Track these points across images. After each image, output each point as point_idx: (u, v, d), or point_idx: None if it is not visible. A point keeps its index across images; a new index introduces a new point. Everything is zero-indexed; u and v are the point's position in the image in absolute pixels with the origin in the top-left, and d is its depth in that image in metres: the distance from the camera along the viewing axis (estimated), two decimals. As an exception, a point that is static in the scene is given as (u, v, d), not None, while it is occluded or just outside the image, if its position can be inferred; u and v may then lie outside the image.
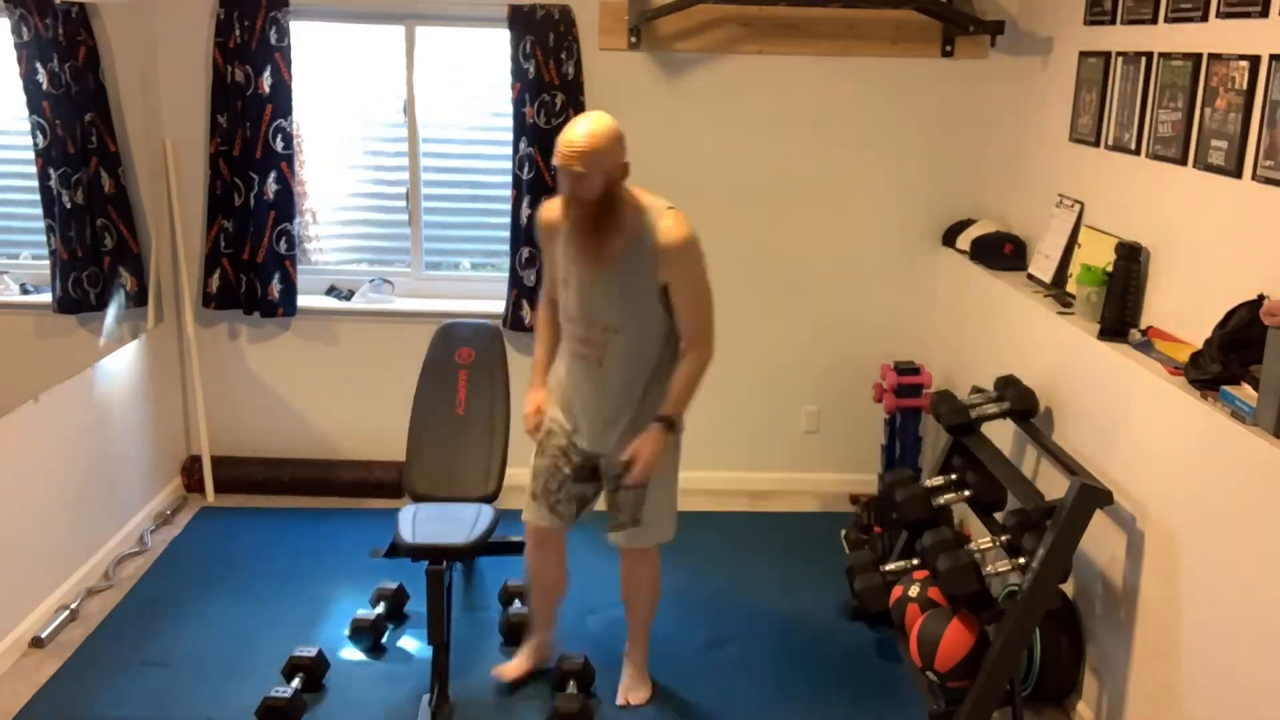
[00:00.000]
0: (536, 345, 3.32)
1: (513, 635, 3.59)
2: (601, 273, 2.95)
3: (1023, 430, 3.53)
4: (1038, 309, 3.63)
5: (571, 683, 3.32)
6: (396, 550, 3.28)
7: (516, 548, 3.85)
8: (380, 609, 3.67)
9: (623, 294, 2.97)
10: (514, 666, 3.43)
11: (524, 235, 4.47)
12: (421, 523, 3.28)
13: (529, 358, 4.67)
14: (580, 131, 2.79)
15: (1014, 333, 3.84)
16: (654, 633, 3.47)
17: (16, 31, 3.56)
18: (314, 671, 3.33)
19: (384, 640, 3.63)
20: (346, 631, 3.62)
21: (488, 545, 3.32)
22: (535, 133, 4.38)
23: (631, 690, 3.37)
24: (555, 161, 2.85)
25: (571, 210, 2.89)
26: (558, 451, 3.20)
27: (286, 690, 3.18)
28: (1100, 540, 3.13)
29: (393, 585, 3.76)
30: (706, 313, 3.02)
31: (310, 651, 3.35)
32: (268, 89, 4.36)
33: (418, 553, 3.21)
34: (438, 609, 3.17)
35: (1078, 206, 3.77)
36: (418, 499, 3.52)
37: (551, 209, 3.07)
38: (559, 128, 4.36)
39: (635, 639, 3.41)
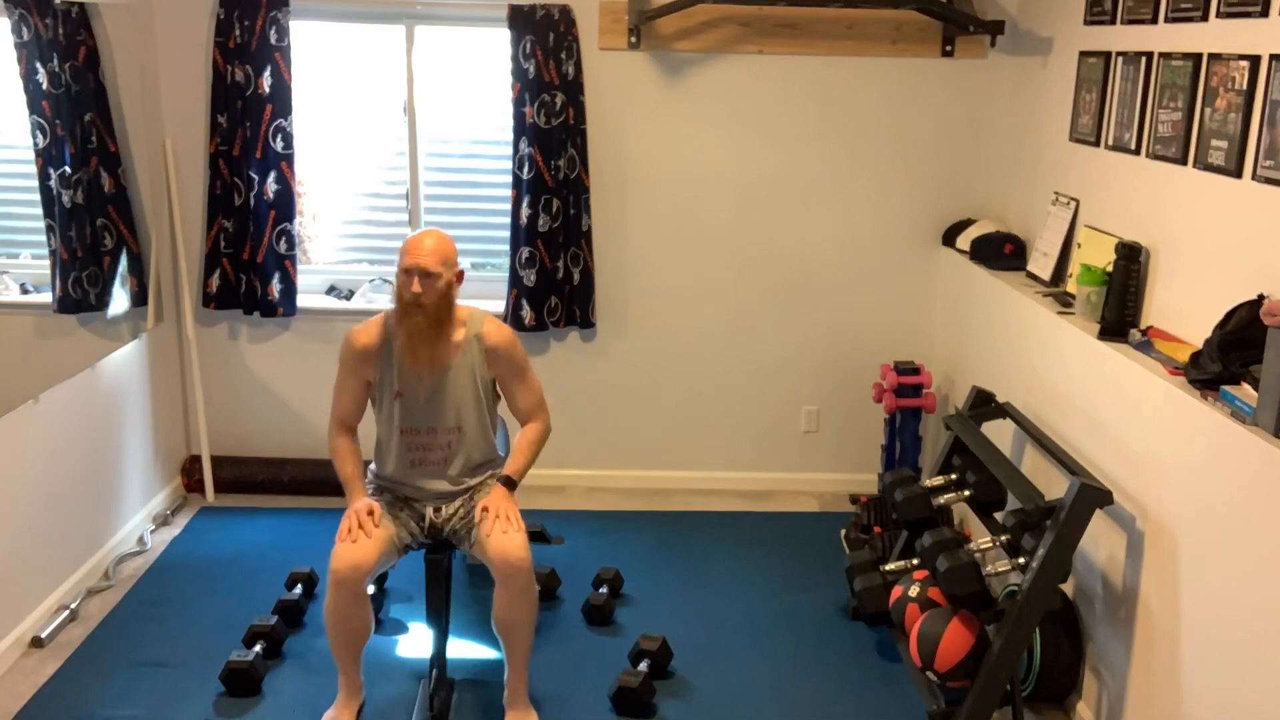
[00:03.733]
0: (343, 468, 3.19)
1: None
2: (441, 380, 3.14)
3: (1023, 430, 3.54)
4: (1038, 309, 3.63)
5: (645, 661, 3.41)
6: None
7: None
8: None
9: (463, 396, 3.17)
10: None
11: (524, 235, 4.47)
12: None
13: (529, 357, 4.69)
14: (429, 238, 3.05)
15: (1014, 333, 3.84)
16: (654, 632, 3.47)
17: (16, 31, 3.56)
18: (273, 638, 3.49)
19: (381, 616, 3.73)
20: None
21: None
22: (535, 133, 4.38)
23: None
24: (407, 263, 3.01)
25: (411, 318, 3.05)
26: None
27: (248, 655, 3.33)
28: (1100, 540, 3.13)
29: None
30: (539, 390, 3.31)
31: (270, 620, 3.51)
32: (268, 89, 4.36)
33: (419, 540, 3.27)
34: (436, 595, 3.20)
35: (1073, 204, 3.77)
36: None
37: (368, 333, 3.16)
38: (559, 128, 4.38)
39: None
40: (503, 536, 3.06)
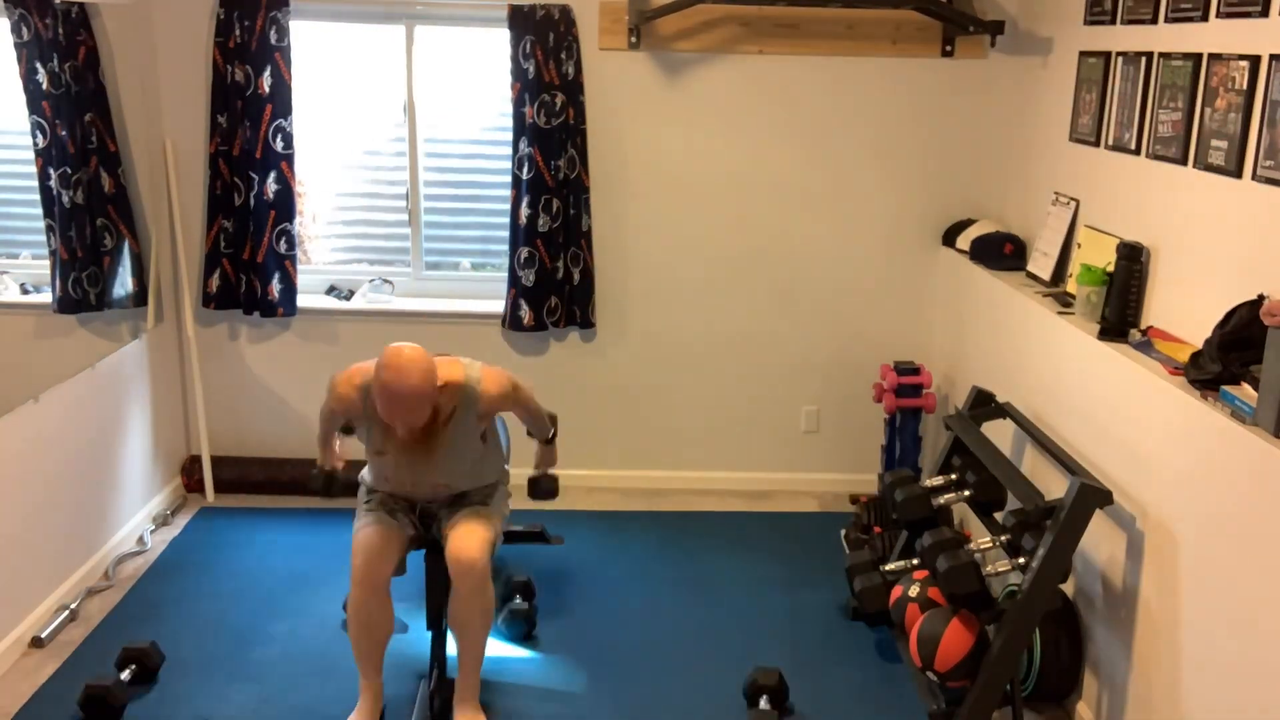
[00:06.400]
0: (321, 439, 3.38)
1: (513, 629, 3.65)
2: (426, 462, 3.10)
3: (1023, 430, 3.54)
4: (1038, 309, 3.63)
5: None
6: None
7: (519, 537, 3.96)
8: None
9: (454, 457, 3.13)
10: None
11: (524, 235, 4.47)
12: None
13: (528, 357, 4.71)
14: (408, 396, 2.83)
15: (1014, 333, 3.84)
16: (655, 632, 3.46)
17: (16, 31, 3.56)
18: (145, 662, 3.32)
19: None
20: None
21: None
22: (535, 133, 4.38)
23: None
24: (389, 422, 2.90)
25: (401, 433, 2.95)
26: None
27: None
28: (1100, 540, 3.13)
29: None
30: (537, 406, 3.38)
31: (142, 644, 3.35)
32: (268, 89, 4.36)
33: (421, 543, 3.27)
34: (436, 596, 3.21)
35: (1073, 204, 3.77)
36: None
37: (349, 393, 3.07)
38: (559, 128, 4.38)
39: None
40: (461, 536, 3.08)
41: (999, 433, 3.77)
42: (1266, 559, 2.35)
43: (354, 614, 3.10)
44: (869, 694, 3.43)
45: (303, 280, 4.64)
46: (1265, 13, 2.72)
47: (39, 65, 3.64)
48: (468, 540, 3.07)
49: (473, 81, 4.59)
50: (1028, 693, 3.24)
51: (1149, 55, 3.30)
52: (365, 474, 3.32)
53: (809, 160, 4.58)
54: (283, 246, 4.50)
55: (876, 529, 4.20)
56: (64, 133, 3.78)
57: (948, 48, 4.46)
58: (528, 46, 4.32)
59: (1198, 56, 3.01)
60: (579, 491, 4.79)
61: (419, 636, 3.61)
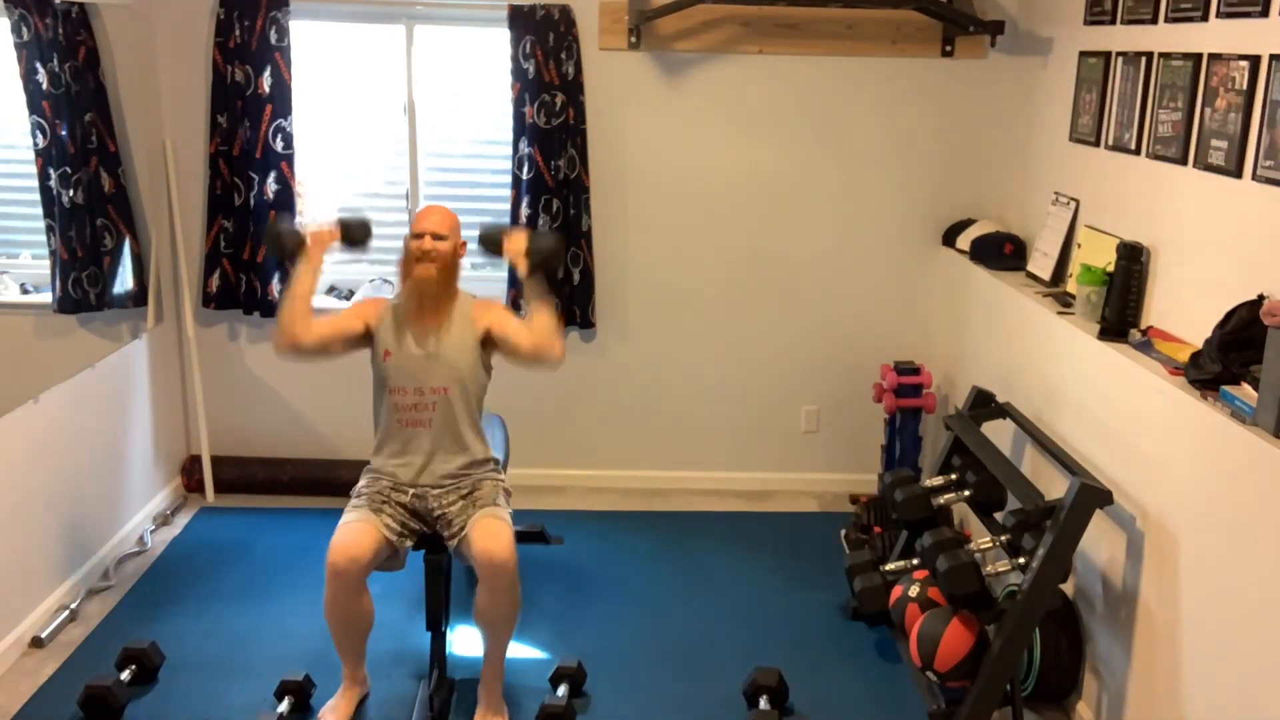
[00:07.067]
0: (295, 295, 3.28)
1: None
2: (432, 341, 3.26)
3: (1023, 430, 3.54)
4: (1038, 309, 3.63)
5: (564, 684, 3.33)
6: None
7: (519, 537, 3.87)
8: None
9: (451, 357, 3.26)
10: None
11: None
12: None
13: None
14: (437, 210, 3.28)
15: (1014, 333, 3.84)
16: (655, 632, 3.46)
17: (16, 31, 3.56)
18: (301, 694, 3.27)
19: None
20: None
21: None
22: (535, 133, 4.38)
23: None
24: (418, 228, 3.22)
25: (422, 269, 3.21)
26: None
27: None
28: (1100, 540, 3.13)
29: None
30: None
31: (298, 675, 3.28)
32: (268, 89, 4.36)
33: (418, 541, 3.27)
34: (436, 596, 3.21)
35: (1073, 204, 3.77)
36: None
37: (380, 299, 3.39)
38: (559, 128, 4.38)
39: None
40: (486, 537, 3.09)
41: (999, 433, 3.77)
42: (1266, 559, 2.35)
43: (328, 606, 3.12)
44: (869, 694, 3.43)
45: (303, 280, 4.63)
46: (1265, 13, 2.72)
47: (39, 65, 3.65)
48: (495, 541, 3.09)
49: (472, 81, 4.60)
50: (1028, 693, 3.24)
51: (1149, 55, 3.30)
52: (371, 461, 3.35)
53: (809, 160, 4.58)
54: (283, 246, 4.50)
55: (876, 529, 4.20)
56: (64, 133, 3.78)
57: (948, 48, 4.46)
58: (528, 46, 4.32)
59: (1198, 56, 3.01)
60: (579, 491, 4.79)
61: (419, 636, 3.61)
